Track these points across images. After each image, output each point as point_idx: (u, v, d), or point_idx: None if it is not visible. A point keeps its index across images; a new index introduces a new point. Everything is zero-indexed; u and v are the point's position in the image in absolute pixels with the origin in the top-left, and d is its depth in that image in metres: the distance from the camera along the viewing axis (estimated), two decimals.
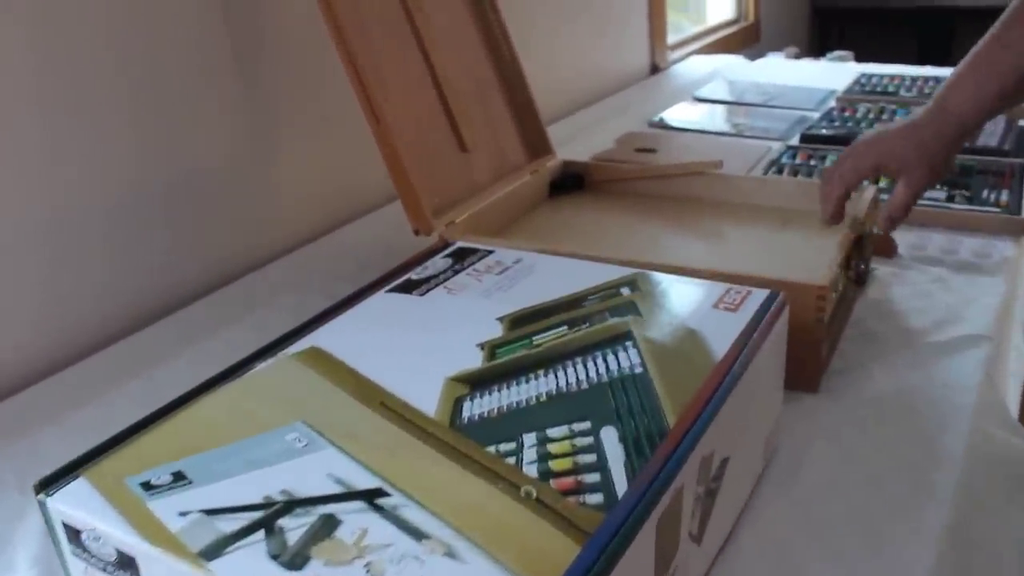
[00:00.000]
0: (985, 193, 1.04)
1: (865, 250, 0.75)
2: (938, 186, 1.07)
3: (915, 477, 0.60)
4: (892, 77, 1.65)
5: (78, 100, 0.81)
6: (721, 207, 0.94)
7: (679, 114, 1.54)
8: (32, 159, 0.78)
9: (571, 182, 1.01)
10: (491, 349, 0.54)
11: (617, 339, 0.54)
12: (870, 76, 1.67)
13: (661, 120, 1.49)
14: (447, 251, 0.70)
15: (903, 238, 0.95)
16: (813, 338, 0.67)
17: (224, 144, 0.96)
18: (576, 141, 1.40)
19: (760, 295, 0.58)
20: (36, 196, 0.79)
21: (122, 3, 0.84)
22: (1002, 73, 0.72)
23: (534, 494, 0.41)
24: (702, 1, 2.41)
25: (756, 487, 0.58)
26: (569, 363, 0.52)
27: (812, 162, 1.21)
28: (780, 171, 1.18)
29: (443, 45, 0.93)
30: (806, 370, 0.69)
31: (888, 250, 0.93)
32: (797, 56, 2.19)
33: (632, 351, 0.52)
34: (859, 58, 2.12)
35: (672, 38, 2.11)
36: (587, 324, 0.56)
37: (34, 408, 0.74)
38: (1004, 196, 1.02)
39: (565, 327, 0.56)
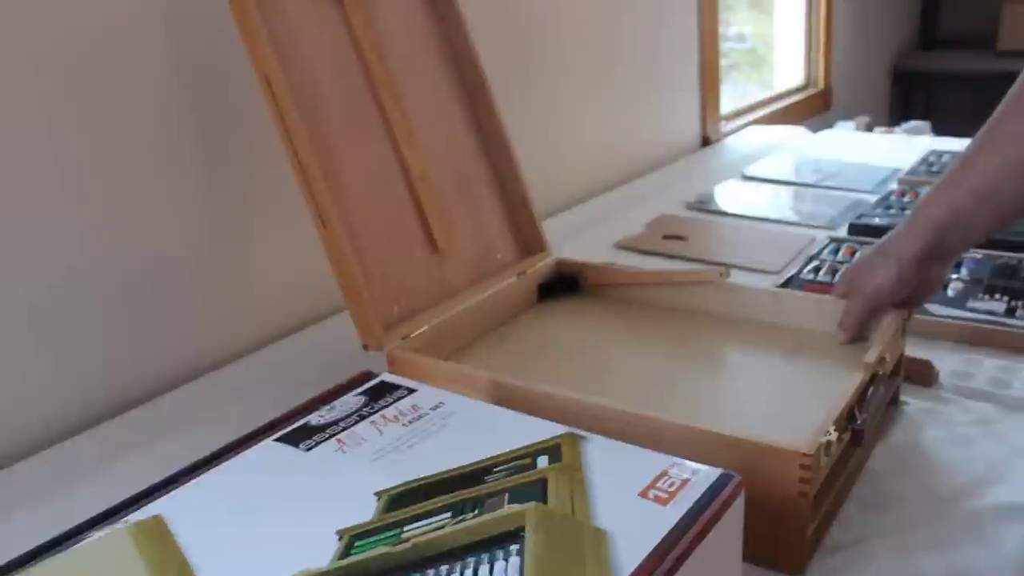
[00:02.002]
0: None
1: (872, 399, 0.62)
2: (997, 295, 0.92)
3: None
4: None
5: (38, 182, 0.76)
6: (729, 323, 0.82)
7: (722, 195, 1.41)
8: None
9: (564, 285, 0.90)
10: (349, 540, 0.44)
11: (503, 539, 0.42)
12: (940, 153, 1.51)
13: (699, 202, 1.37)
14: (364, 387, 0.60)
15: (946, 361, 0.81)
16: (796, 515, 0.54)
17: (188, 234, 0.89)
18: (606, 223, 1.29)
19: (708, 477, 0.46)
20: None
21: (91, 86, 0.79)
22: (975, 185, 0.66)
23: None
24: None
25: None
26: (431, 570, 0.41)
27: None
28: (818, 269, 1.04)
29: (420, 135, 0.84)
30: (786, 550, 0.56)
31: (927, 377, 0.79)
32: (868, 127, 2.04)
33: (514, 560, 0.41)
34: (941, 129, 1.96)
35: (736, 104, 1.99)
36: (477, 511, 0.45)
37: None
38: None
39: (449, 514, 0.45)
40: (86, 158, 0.80)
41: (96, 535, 0.47)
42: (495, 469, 0.49)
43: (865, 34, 2.63)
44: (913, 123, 1.95)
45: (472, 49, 0.88)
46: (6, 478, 0.74)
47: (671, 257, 1.16)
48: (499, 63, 0.90)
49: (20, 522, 0.67)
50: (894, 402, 0.75)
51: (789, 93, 2.22)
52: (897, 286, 0.71)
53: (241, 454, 0.53)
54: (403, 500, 0.47)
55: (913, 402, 0.76)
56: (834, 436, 0.56)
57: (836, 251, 1.10)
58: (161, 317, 0.88)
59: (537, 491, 0.46)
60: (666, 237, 1.22)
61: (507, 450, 0.50)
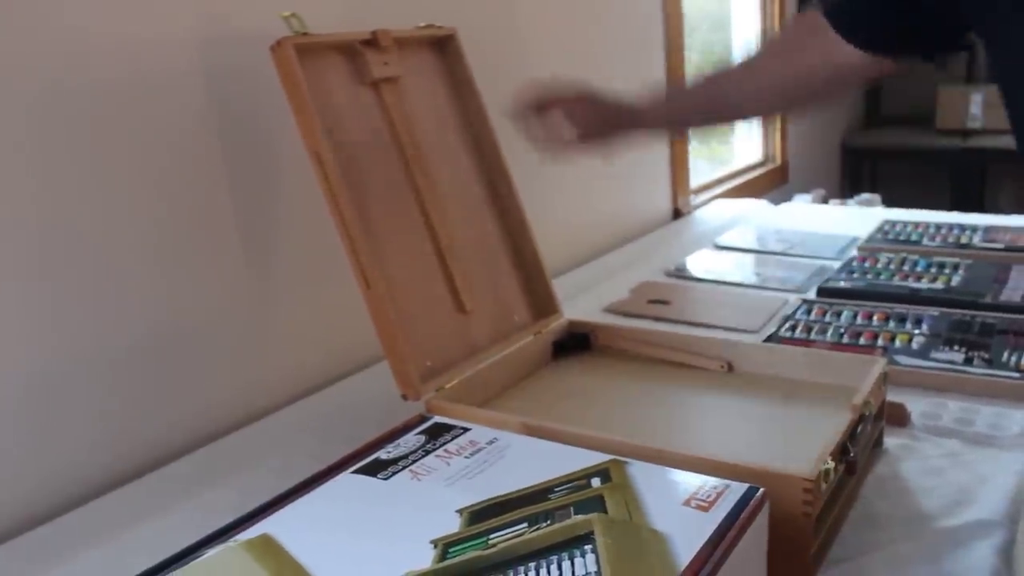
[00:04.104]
0: (1005, 356, 1.00)
1: (861, 435, 0.71)
2: (955, 347, 1.03)
3: None
4: (916, 224, 1.63)
5: (74, 253, 0.83)
6: (727, 375, 0.91)
7: (697, 263, 1.53)
8: (16, 310, 0.80)
9: (576, 343, 0.99)
10: (444, 548, 0.51)
11: (576, 541, 0.51)
12: (894, 223, 1.65)
13: (677, 270, 1.48)
14: (422, 427, 0.68)
15: (916, 406, 0.91)
16: (801, 533, 0.63)
17: (221, 296, 0.97)
18: (594, 289, 1.39)
19: (738, 490, 0.55)
20: (17, 348, 0.80)
21: (120, 158, 0.86)
22: (686, 104, 0.95)
23: None
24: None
25: None
26: (522, 568, 0.49)
27: (827, 318, 1.18)
28: (794, 328, 1.15)
29: (446, 206, 0.93)
30: (795, 565, 0.64)
31: (901, 419, 0.89)
32: (824, 199, 2.19)
33: (590, 556, 0.49)
34: (890, 201, 2.11)
35: (700, 179, 2.12)
36: (548, 521, 0.53)
37: None
38: None
39: (525, 524, 0.53)
40: (147, 227, 0.88)
41: (209, 553, 0.54)
42: (556, 489, 0.57)
43: (817, 113, 2.81)
44: (865, 195, 2.10)
45: (490, 129, 0.98)
46: (106, 503, 0.83)
47: (657, 320, 1.26)
48: None
49: (97, 556, 0.73)
50: (878, 444, 0.84)
51: (750, 168, 2.37)
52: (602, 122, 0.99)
53: (324, 484, 0.61)
54: (482, 515, 0.55)
55: (891, 440, 0.85)
56: (831, 465, 0.65)
57: (808, 312, 1.21)
58: (182, 379, 0.94)
59: (597, 504, 0.54)
60: (651, 301, 1.32)
61: (562, 474, 0.59)
